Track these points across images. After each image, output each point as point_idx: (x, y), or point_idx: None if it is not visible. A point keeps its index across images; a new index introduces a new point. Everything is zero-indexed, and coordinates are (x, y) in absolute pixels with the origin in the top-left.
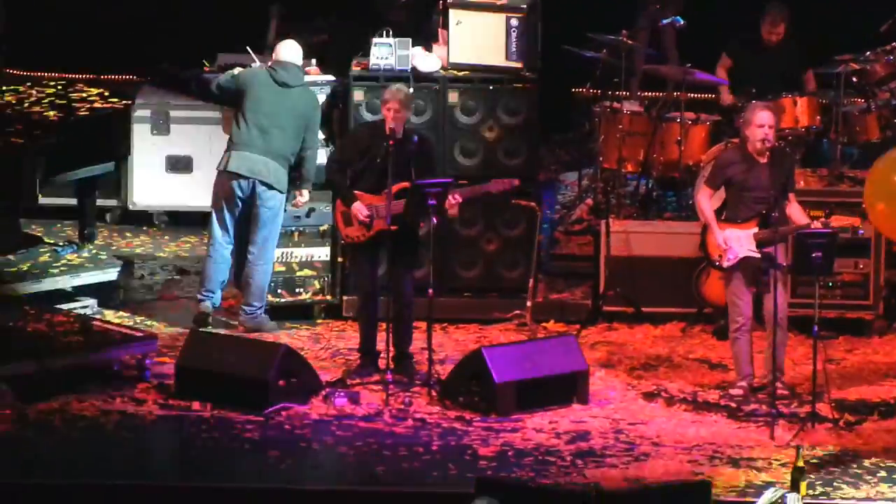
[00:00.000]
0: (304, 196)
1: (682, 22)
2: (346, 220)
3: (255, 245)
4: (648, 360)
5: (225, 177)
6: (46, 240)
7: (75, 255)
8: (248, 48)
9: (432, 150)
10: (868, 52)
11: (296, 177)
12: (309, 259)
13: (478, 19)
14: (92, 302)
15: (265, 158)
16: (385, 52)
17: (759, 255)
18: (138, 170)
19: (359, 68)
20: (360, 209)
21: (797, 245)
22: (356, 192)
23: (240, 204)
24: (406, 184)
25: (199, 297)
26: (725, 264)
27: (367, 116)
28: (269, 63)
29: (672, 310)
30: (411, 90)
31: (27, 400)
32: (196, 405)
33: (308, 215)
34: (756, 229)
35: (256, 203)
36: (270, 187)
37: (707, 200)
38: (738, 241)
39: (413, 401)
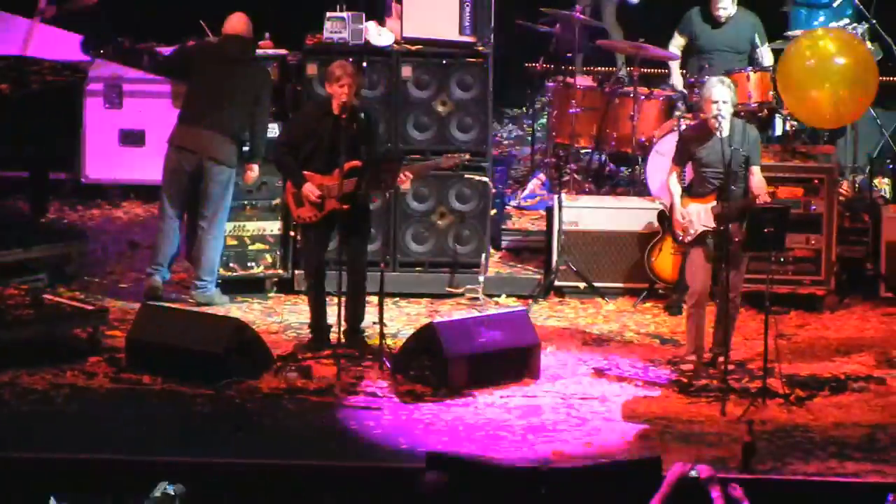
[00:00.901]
0: (255, 171)
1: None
2: (297, 201)
3: (205, 220)
4: (600, 334)
5: (173, 151)
6: None
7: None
8: (201, 22)
9: (378, 119)
10: (821, 29)
11: (246, 151)
12: (261, 233)
13: None
14: (43, 276)
15: (212, 133)
16: (338, 25)
17: (715, 230)
18: (91, 143)
19: (312, 42)
20: (311, 190)
21: (749, 220)
22: (306, 172)
23: (188, 178)
24: (357, 162)
25: (148, 270)
26: (687, 239)
27: (321, 91)
28: (220, 37)
29: (624, 284)
30: (364, 64)
31: None
32: (147, 379)
33: (260, 189)
34: (714, 203)
35: (205, 178)
36: (218, 162)
37: (673, 177)
38: (698, 216)
39: (364, 375)
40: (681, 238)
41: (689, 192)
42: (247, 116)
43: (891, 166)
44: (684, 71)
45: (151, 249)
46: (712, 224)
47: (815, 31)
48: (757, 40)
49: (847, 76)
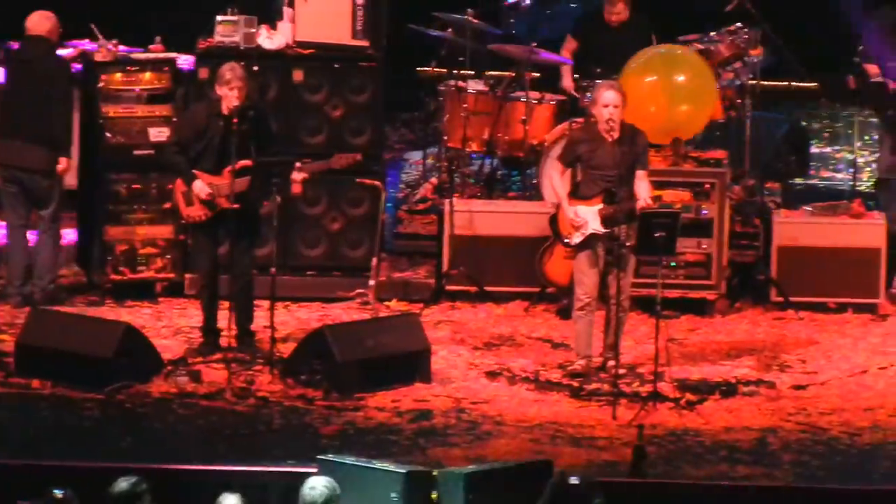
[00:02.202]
0: (63, 163)
1: (528, 1)
2: (186, 200)
3: (41, 224)
4: (491, 339)
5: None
6: None
7: None
8: (92, 25)
9: (270, 122)
10: (713, 33)
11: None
12: (152, 236)
13: None
14: None
15: (24, 144)
16: (230, 29)
17: (603, 233)
18: None
19: (204, 46)
20: (201, 189)
21: (640, 224)
22: (196, 172)
23: (18, 190)
24: (248, 162)
25: (8, 291)
26: (574, 241)
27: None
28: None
29: (515, 289)
30: (256, 68)
31: None
32: (36, 383)
33: (151, 192)
34: (601, 206)
35: (30, 187)
36: (34, 171)
37: (559, 177)
38: (585, 218)
39: (255, 379)
40: (567, 240)
41: (576, 193)
42: (49, 117)
43: (782, 171)
44: (577, 75)
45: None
46: (600, 227)
47: (660, 48)
48: (650, 44)
49: (687, 92)
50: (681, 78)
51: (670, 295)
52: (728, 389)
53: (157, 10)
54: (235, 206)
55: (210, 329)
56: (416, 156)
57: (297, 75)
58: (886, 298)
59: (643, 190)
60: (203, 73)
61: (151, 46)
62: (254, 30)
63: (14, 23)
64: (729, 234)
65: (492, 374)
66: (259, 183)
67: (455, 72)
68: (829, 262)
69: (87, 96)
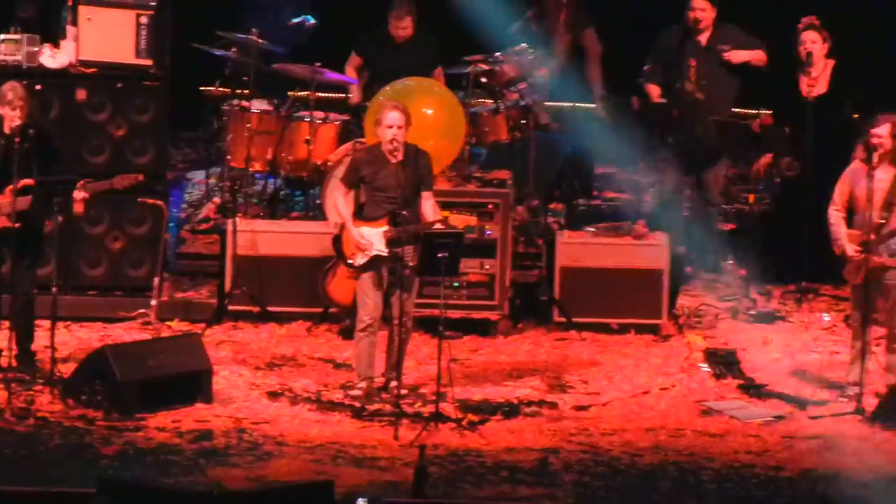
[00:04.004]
0: None
1: (312, 21)
2: None
3: None
4: (273, 359)
5: None
6: None
7: None
8: None
9: (53, 141)
10: (498, 53)
11: None
12: None
13: (107, 16)
14: None
15: None
16: (12, 48)
17: (387, 254)
18: None
19: None
20: None
21: (423, 245)
22: None
23: None
24: (30, 181)
25: None
26: (357, 263)
27: None
28: None
29: (298, 309)
30: (38, 87)
31: None
32: None
33: None
34: (386, 228)
35: None
36: None
37: (342, 199)
38: (370, 240)
39: (35, 399)
40: (351, 262)
41: (361, 214)
42: None
43: (565, 191)
44: (362, 94)
45: None
46: (384, 248)
47: (406, 81)
48: (436, 62)
49: (438, 127)
50: (428, 111)
51: (453, 315)
52: (510, 410)
53: None
54: (16, 225)
55: None
56: (199, 175)
57: (80, 94)
58: (668, 319)
59: (429, 211)
60: None
61: None
62: (36, 48)
63: None
64: (512, 254)
65: (273, 395)
66: (41, 202)
67: (239, 91)
68: (611, 282)
69: None
